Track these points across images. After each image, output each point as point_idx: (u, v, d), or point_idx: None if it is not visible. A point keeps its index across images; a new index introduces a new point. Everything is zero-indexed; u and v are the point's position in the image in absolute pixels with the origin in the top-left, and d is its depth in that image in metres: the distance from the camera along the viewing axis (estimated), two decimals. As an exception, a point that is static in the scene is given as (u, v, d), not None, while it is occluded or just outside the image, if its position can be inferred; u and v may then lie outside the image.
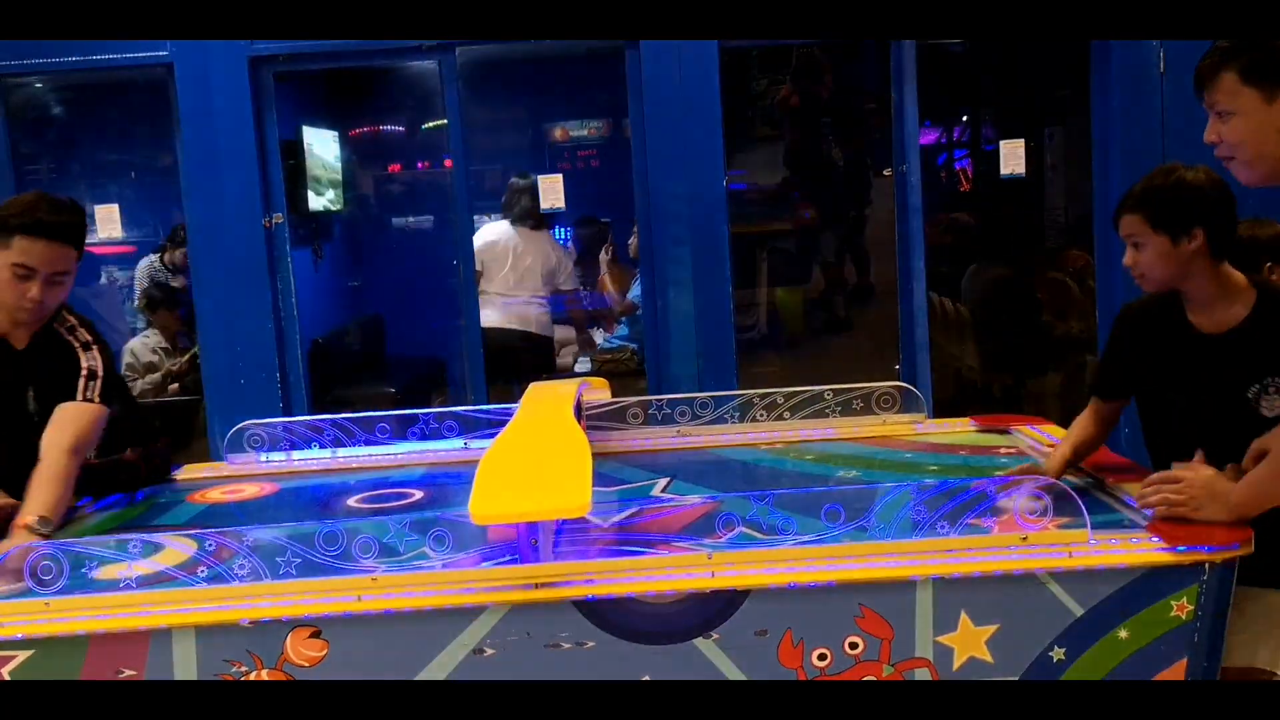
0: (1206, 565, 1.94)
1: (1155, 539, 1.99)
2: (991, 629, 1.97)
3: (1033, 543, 1.99)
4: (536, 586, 1.97)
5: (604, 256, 6.28)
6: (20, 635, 1.94)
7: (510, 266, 5.64)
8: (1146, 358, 2.36)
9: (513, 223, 5.69)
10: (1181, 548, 1.95)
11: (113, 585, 2.02)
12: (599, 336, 6.21)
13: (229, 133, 4.74)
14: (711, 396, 3.06)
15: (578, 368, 5.94)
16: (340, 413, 3.16)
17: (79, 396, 2.67)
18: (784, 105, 6.66)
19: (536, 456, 2.22)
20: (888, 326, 5.49)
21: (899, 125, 4.97)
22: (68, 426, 2.61)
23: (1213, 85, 2.04)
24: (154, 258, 6.12)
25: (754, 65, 6.84)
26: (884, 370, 5.38)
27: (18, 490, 2.52)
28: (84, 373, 2.70)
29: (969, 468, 2.66)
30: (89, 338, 2.74)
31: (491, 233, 5.71)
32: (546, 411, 2.56)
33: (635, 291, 6.02)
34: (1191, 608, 1.96)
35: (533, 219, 5.61)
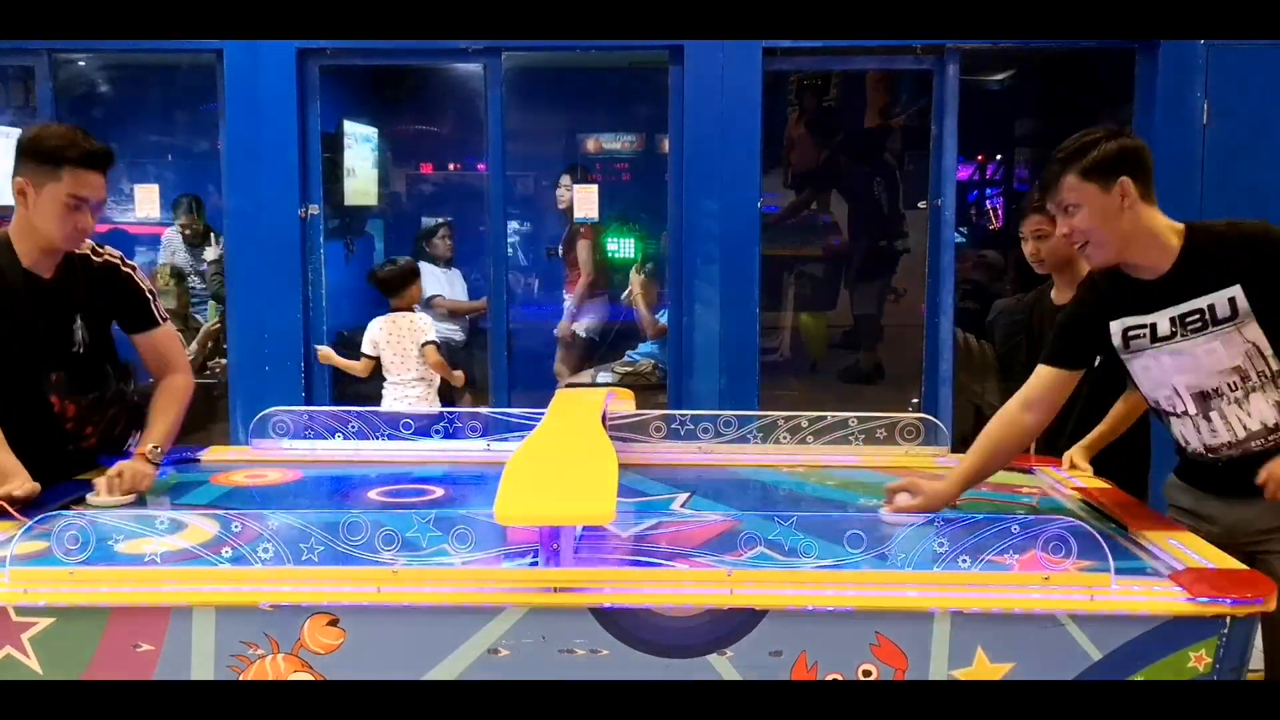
0: (1228, 619, 1.93)
1: (1178, 588, 1.98)
2: (1007, 667, 1.97)
3: (1054, 583, 1.98)
4: (555, 591, 1.98)
5: (636, 275, 6.11)
6: (43, 603, 1.96)
7: None
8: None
9: None
10: (1203, 599, 1.94)
11: (137, 559, 2.04)
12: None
13: (273, 122, 4.79)
14: (736, 415, 3.06)
15: (600, 378, 5.93)
16: (359, 406, 3.18)
17: (159, 320, 2.71)
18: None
19: (564, 462, 2.23)
20: (908, 358, 5.48)
21: (937, 159, 4.98)
22: (174, 353, 2.67)
23: (1057, 188, 2.40)
24: (176, 228, 6.27)
25: (791, 90, 6.87)
26: (902, 402, 5.37)
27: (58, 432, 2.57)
28: (150, 296, 2.71)
29: (990, 504, 2.65)
30: (119, 254, 2.72)
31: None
32: (575, 418, 2.57)
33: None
34: (1210, 660, 1.94)
35: None
